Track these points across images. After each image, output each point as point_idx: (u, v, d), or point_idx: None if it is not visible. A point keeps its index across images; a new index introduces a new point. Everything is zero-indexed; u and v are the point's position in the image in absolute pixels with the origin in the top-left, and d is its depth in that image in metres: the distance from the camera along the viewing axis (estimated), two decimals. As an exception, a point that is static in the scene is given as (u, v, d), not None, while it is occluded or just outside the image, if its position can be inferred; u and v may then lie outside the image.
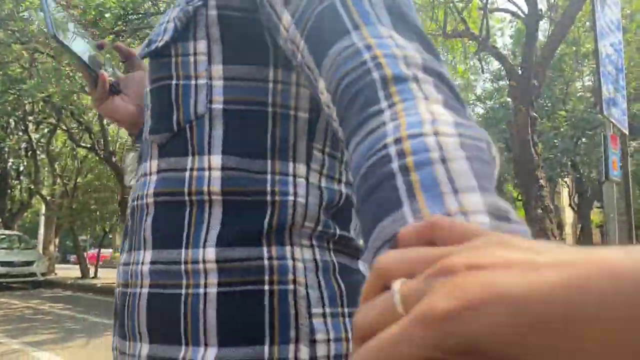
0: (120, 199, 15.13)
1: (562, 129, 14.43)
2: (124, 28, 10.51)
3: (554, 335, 0.20)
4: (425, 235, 0.28)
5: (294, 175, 0.64)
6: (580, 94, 15.68)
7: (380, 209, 0.35)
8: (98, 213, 17.93)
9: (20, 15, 11.87)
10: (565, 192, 21.32)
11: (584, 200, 17.26)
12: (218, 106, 0.63)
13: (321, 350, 0.60)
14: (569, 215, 22.79)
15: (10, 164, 23.06)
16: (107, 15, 10.15)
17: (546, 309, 0.20)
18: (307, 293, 0.61)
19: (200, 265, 0.60)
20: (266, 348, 0.58)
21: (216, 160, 0.62)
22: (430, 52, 0.46)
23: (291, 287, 0.61)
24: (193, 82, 0.64)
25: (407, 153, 0.36)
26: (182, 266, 0.61)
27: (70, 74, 11.25)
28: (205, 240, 0.61)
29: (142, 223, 0.67)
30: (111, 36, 10.73)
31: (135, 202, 0.69)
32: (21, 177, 23.54)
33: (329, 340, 0.61)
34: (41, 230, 22.58)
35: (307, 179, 0.65)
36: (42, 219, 22.35)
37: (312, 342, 0.60)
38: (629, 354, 0.18)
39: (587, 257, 0.21)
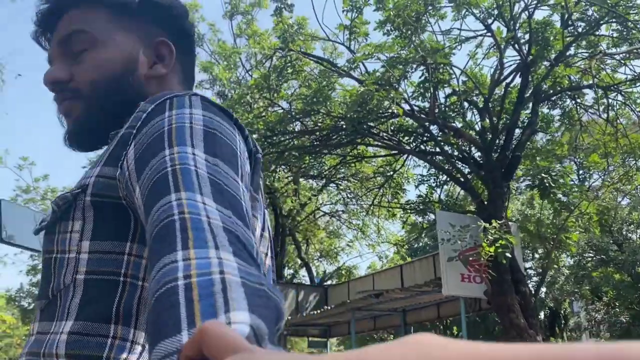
0: None
1: None
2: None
3: None
4: (197, 341, 0.36)
5: (132, 342, 0.68)
6: None
7: (164, 329, 0.44)
8: None
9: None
10: None
11: None
12: (80, 277, 0.70)
13: None
14: None
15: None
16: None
17: None
18: None
19: None
20: None
21: (68, 325, 0.68)
22: (239, 218, 0.57)
23: None
24: (66, 255, 0.73)
25: (193, 287, 0.45)
26: None
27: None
28: None
29: None
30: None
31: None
32: None
33: None
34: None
35: (144, 346, 0.68)
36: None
37: None
38: None
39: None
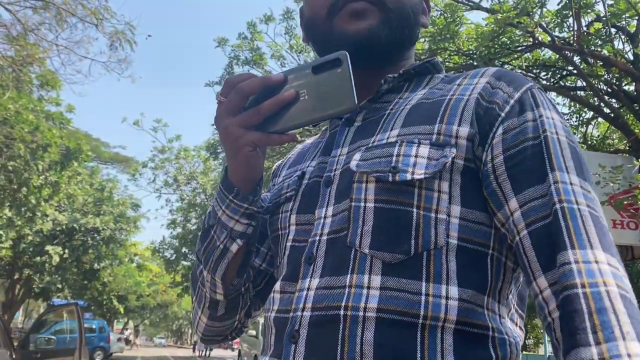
0: None
1: None
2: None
3: None
4: None
5: (499, 315, 0.70)
6: None
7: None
8: None
9: None
10: None
11: None
12: (453, 241, 0.69)
13: None
14: None
15: None
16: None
17: None
18: None
19: None
20: None
21: (453, 290, 0.67)
22: (623, 271, 0.61)
23: None
24: (434, 215, 0.70)
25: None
26: None
27: None
28: None
29: (352, 337, 0.66)
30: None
31: (327, 312, 0.69)
32: None
33: None
34: None
35: (505, 320, 0.71)
36: None
37: None
38: None
39: None
